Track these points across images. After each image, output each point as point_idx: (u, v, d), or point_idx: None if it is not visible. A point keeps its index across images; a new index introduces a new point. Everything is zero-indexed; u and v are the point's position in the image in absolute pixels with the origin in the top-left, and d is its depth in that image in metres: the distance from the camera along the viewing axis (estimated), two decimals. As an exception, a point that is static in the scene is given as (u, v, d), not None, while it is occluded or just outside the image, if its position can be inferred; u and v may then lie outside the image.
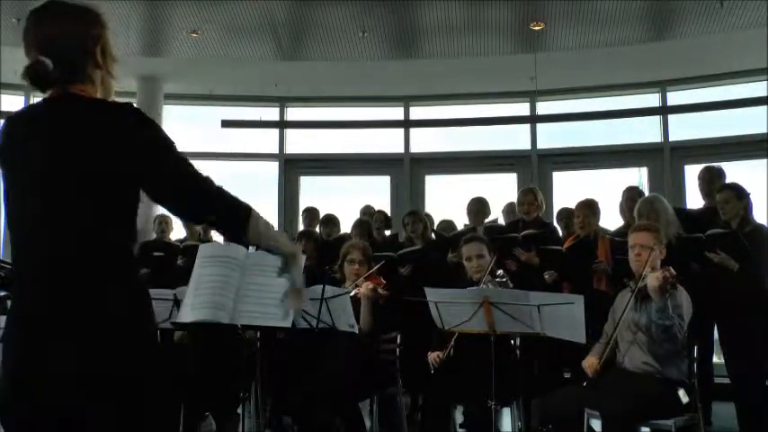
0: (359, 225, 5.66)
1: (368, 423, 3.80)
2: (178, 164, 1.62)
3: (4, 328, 1.57)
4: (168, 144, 1.62)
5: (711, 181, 4.84)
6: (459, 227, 5.88)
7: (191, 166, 1.63)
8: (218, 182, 1.68)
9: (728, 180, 4.81)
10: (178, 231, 6.35)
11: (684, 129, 7.81)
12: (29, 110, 1.68)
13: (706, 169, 5.01)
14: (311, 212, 6.51)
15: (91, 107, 1.62)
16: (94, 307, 1.52)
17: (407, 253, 5.16)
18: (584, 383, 3.31)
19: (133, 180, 1.60)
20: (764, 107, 7.10)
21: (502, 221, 5.93)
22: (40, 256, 1.56)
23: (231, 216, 1.69)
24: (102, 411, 1.50)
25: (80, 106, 1.61)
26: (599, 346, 3.53)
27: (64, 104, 1.61)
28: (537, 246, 4.87)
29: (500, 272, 3.87)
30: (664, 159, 7.82)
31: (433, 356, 3.69)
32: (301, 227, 6.71)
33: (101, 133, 1.57)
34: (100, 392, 1.49)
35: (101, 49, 1.67)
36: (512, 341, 3.64)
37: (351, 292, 3.78)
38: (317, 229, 6.06)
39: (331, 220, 6.09)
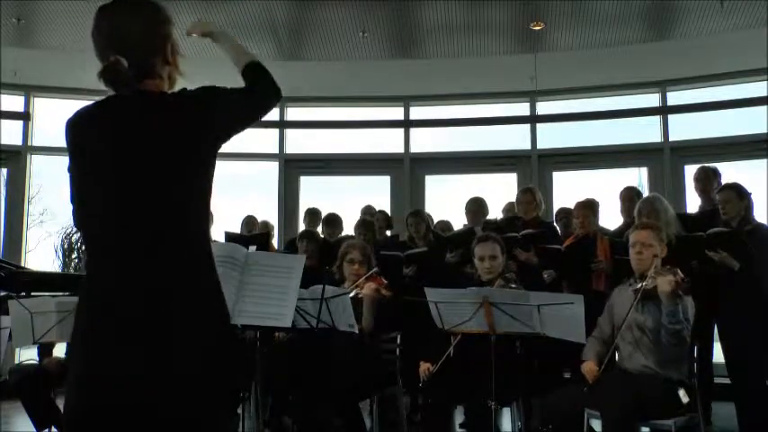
0: (362, 225, 5.66)
1: (368, 423, 3.80)
2: (233, 99, 1.71)
3: (81, 327, 1.57)
4: (227, 91, 1.70)
5: (707, 180, 4.86)
6: (458, 227, 5.88)
7: (239, 92, 1.73)
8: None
9: (726, 180, 4.82)
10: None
11: (684, 129, 7.81)
12: (101, 105, 1.69)
13: (701, 170, 5.05)
14: (313, 213, 6.49)
15: (164, 101, 1.66)
16: (190, 309, 1.55)
17: (414, 254, 5.16)
18: (584, 388, 3.30)
19: (211, 146, 1.66)
20: (764, 107, 7.10)
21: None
22: (130, 252, 1.56)
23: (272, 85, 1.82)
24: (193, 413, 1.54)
25: (154, 101, 1.65)
26: (594, 342, 3.50)
27: (140, 97, 1.65)
28: (536, 245, 4.87)
29: (511, 274, 3.86)
30: (664, 159, 7.82)
31: (423, 368, 3.63)
32: (302, 227, 6.70)
33: (175, 120, 1.62)
34: (197, 393, 1.54)
35: (170, 46, 1.74)
36: (516, 342, 3.63)
37: (351, 292, 3.78)
38: (320, 230, 6.05)
39: (334, 220, 6.08)
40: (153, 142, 1.60)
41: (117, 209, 1.59)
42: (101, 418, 1.51)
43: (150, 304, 1.52)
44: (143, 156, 1.59)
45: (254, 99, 1.78)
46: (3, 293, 5.15)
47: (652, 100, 8.06)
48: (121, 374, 1.50)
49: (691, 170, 7.52)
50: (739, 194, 4.32)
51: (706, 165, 5.13)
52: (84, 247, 4.35)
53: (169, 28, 1.74)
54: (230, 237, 5.67)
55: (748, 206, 4.32)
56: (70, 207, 1.67)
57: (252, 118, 1.77)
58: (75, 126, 1.66)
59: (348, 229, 5.99)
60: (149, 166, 1.59)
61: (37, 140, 8.18)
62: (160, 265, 1.56)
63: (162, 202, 1.59)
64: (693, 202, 5.96)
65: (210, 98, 1.66)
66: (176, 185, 1.60)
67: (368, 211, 6.39)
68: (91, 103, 1.71)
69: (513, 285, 3.68)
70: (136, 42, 1.66)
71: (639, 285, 3.34)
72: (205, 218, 1.67)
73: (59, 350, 4.49)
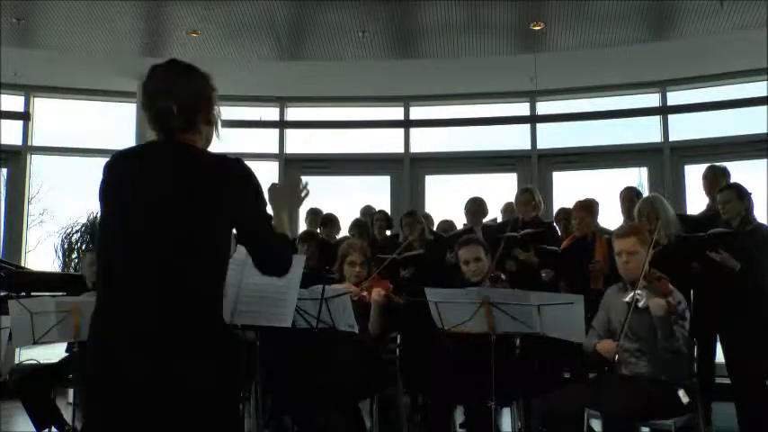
0: (356, 225, 5.65)
1: (368, 423, 3.80)
2: (264, 220, 1.88)
3: (95, 339, 1.72)
4: (262, 201, 1.88)
5: (716, 180, 4.82)
6: (459, 227, 5.88)
7: (269, 224, 1.91)
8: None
9: (732, 179, 4.80)
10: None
11: (684, 129, 7.81)
12: (141, 150, 1.90)
13: (710, 168, 4.99)
14: (315, 213, 6.47)
15: (203, 154, 1.84)
16: (193, 328, 1.70)
17: (410, 257, 5.16)
18: (592, 374, 3.26)
19: (230, 225, 1.81)
20: (764, 107, 7.10)
21: (501, 221, 5.92)
22: (146, 296, 1.69)
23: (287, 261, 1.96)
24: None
25: (193, 152, 1.82)
26: (593, 335, 3.47)
27: (179, 148, 1.81)
28: (535, 245, 4.87)
29: (499, 274, 3.86)
30: (664, 159, 7.82)
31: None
32: (302, 227, 6.70)
33: (211, 179, 1.77)
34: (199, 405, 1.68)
35: (214, 110, 1.91)
36: (516, 342, 3.63)
37: (354, 295, 3.75)
38: (319, 230, 6.05)
39: (331, 221, 6.07)
40: (180, 187, 1.75)
41: (131, 252, 1.73)
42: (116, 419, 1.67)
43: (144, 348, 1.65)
44: (167, 203, 1.74)
45: (268, 246, 1.90)
46: (3, 293, 5.15)
47: (652, 100, 8.06)
48: (131, 381, 1.64)
49: (691, 170, 7.55)
50: (739, 195, 4.31)
51: (716, 164, 5.06)
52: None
53: (212, 92, 1.90)
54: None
55: (748, 206, 4.32)
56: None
57: (252, 245, 1.89)
58: (113, 166, 1.83)
59: (346, 229, 5.99)
60: (173, 210, 1.73)
61: (37, 140, 8.17)
62: (158, 314, 1.68)
63: (173, 254, 1.71)
64: (694, 203, 5.97)
65: (242, 191, 1.80)
66: (188, 242, 1.73)
67: (367, 211, 6.39)
68: (129, 147, 1.91)
69: (500, 284, 3.68)
70: (187, 94, 1.83)
71: (630, 297, 3.25)
72: (214, 283, 1.77)
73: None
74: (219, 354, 1.72)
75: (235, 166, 1.81)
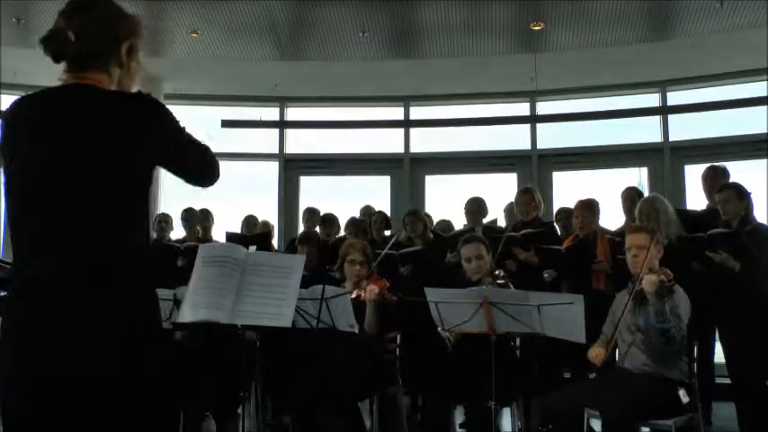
0: (352, 224, 5.65)
1: (368, 423, 3.80)
2: (191, 148, 1.73)
3: (7, 327, 1.56)
4: (180, 130, 1.69)
5: (716, 180, 4.80)
6: (458, 227, 5.88)
7: (198, 145, 1.75)
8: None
9: (731, 179, 4.80)
10: (178, 231, 6.34)
11: (684, 129, 7.81)
12: (41, 95, 1.66)
13: (710, 168, 4.98)
14: (312, 213, 6.49)
15: (106, 97, 1.63)
16: (111, 308, 1.54)
17: (409, 253, 5.16)
18: (592, 374, 3.30)
19: (149, 166, 1.64)
20: (764, 107, 7.10)
21: (502, 221, 5.93)
22: (52, 255, 1.54)
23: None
24: (108, 411, 1.53)
25: (95, 96, 1.62)
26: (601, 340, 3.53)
27: (79, 93, 1.62)
28: (536, 245, 4.87)
29: (499, 272, 3.86)
30: (664, 159, 7.82)
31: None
32: (301, 227, 6.70)
33: (115, 123, 1.58)
34: (110, 392, 1.52)
35: (127, 49, 1.69)
36: (512, 341, 3.63)
37: (352, 293, 3.76)
38: (317, 230, 6.05)
39: (329, 220, 6.06)
40: (80, 139, 1.57)
41: (42, 210, 1.57)
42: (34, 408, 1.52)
43: (71, 303, 1.52)
44: (72, 156, 1.56)
45: (199, 158, 1.78)
46: (2, 293, 5.15)
47: (652, 100, 8.06)
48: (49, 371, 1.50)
49: (691, 170, 7.54)
50: (739, 194, 4.31)
51: (716, 164, 5.05)
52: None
53: (132, 33, 1.70)
54: (231, 237, 5.68)
55: (748, 206, 4.31)
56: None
57: (185, 173, 1.77)
58: (11, 113, 1.65)
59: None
60: (74, 165, 1.56)
61: (37, 140, 8.17)
62: (81, 269, 1.54)
63: (86, 205, 1.56)
64: (694, 203, 5.96)
65: (160, 124, 1.64)
66: (102, 190, 1.57)
67: (366, 211, 6.38)
68: (27, 95, 1.67)
69: (501, 281, 3.69)
70: (92, 25, 1.62)
71: (634, 287, 3.35)
72: (134, 226, 1.62)
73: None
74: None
75: (142, 102, 1.63)
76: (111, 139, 1.57)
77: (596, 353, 3.41)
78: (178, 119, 1.69)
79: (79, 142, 1.56)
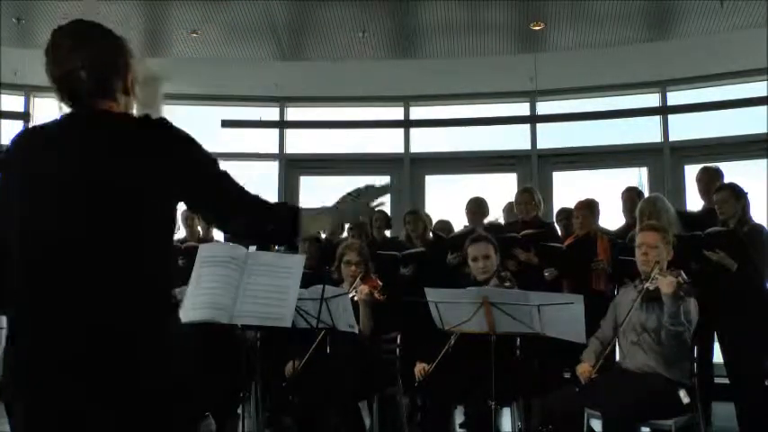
0: (355, 225, 5.65)
1: (368, 423, 3.80)
2: (222, 181, 1.58)
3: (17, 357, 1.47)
4: (210, 161, 1.58)
5: (710, 181, 4.82)
6: (459, 227, 5.88)
7: (235, 182, 1.61)
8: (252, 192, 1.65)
9: (726, 180, 4.80)
10: (178, 231, 6.34)
11: (684, 129, 7.80)
12: (53, 123, 1.58)
13: (703, 170, 4.99)
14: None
15: (124, 121, 1.57)
16: (126, 360, 1.44)
17: (411, 254, 5.15)
18: (577, 389, 3.32)
19: (172, 197, 1.55)
20: (764, 107, 7.10)
21: (502, 221, 5.92)
22: (64, 282, 1.44)
23: (286, 222, 1.66)
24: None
25: (112, 120, 1.57)
26: (594, 343, 3.50)
27: (95, 118, 1.56)
28: (536, 245, 4.87)
29: (506, 273, 3.85)
30: (664, 159, 7.81)
31: (418, 369, 3.61)
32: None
33: (137, 147, 1.51)
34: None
35: (130, 76, 1.66)
36: (516, 342, 3.63)
37: (350, 293, 3.77)
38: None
39: (332, 220, 6.05)
40: (98, 162, 1.48)
41: (60, 239, 1.46)
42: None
43: (93, 340, 1.42)
44: (87, 174, 1.48)
45: (256, 216, 1.64)
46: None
47: (652, 100, 8.05)
48: (63, 409, 1.42)
49: (691, 170, 7.53)
50: (736, 194, 4.31)
51: (708, 165, 5.06)
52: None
53: (129, 58, 1.65)
54: (229, 237, 5.67)
55: (745, 206, 4.31)
56: None
57: (226, 207, 1.62)
58: (20, 141, 1.57)
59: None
60: (91, 188, 1.47)
61: (37, 140, 8.17)
62: (102, 301, 1.44)
63: (113, 237, 1.47)
64: (694, 203, 5.95)
65: (186, 159, 1.55)
66: (129, 221, 1.48)
67: (367, 211, 6.37)
68: (40, 124, 1.60)
69: (508, 284, 3.68)
70: (98, 57, 1.57)
71: (643, 286, 3.33)
72: (161, 259, 1.54)
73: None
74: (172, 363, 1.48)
75: (165, 127, 1.56)
76: (135, 167, 1.48)
77: (583, 370, 3.38)
78: (206, 151, 1.59)
79: (101, 160, 1.48)
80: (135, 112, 1.68)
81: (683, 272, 3.23)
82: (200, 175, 1.57)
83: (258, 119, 8.25)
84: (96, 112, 1.56)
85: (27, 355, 1.45)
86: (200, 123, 8.50)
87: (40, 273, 1.46)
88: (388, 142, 8.52)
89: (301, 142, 8.70)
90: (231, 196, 1.59)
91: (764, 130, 6.97)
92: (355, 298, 3.81)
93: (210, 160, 1.59)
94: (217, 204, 1.61)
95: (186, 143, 1.57)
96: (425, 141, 8.50)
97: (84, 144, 1.51)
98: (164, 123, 1.56)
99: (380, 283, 4.00)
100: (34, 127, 1.61)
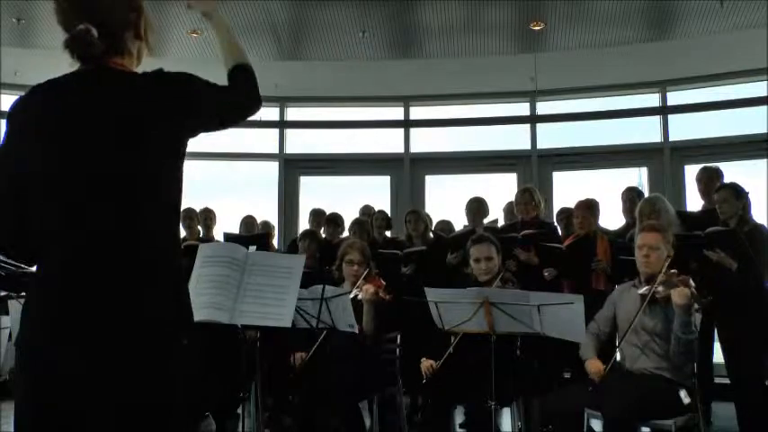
0: (357, 223, 5.65)
1: (368, 423, 3.80)
2: (213, 95, 1.65)
3: (26, 329, 1.44)
4: (195, 80, 1.61)
5: (710, 181, 4.82)
6: (459, 227, 5.88)
7: (224, 92, 1.69)
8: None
9: (726, 180, 4.81)
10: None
11: (684, 129, 7.81)
12: (61, 81, 1.56)
13: (703, 170, 4.99)
14: (318, 214, 6.46)
15: (133, 81, 1.55)
16: (135, 311, 1.42)
17: (412, 253, 5.16)
18: (590, 388, 3.28)
19: (182, 134, 1.57)
20: (764, 107, 7.10)
21: (502, 221, 5.93)
22: (76, 250, 1.42)
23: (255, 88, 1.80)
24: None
25: (121, 80, 1.54)
26: (591, 339, 3.48)
27: (104, 78, 1.53)
28: (536, 245, 4.87)
29: (508, 274, 3.85)
30: (664, 159, 7.82)
31: (426, 365, 3.61)
32: (302, 227, 6.69)
33: (142, 105, 1.50)
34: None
35: (143, 20, 1.63)
36: (516, 342, 3.62)
37: (351, 293, 3.77)
38: (322, 230, 6.04)
39: (334, 220, 6.05)
40: (119, 127, 1.47)
41: (68, 201, 1.45)
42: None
43: (94, 305, 1.40)
44: (106, 141, 1.46)
45: (236, 102, 1.74)
46: (3, 293, 5.14)
47: (652, 100, 8.06)
48: (61, 375, 1.38)
49: (691, 170, 7.54)
50: (736, 194, 4.31)
51: (708, 165, 5.06)
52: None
53: (141, 2, 1.63)
54: (229, 237, 5.67)
55: (745, 206, 4.31)
56: None
57: (230, 120, 1.74)
58: (27, 99, 1.54)
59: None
60: (111, 155, 1.46)
61: (37, 140, 8.17)
62: (110, 268, 1.42)
63: (121, 195, 1.46)
64: (694, 203, 5.96)
65: (192, 90, 1.58)
66: (139, 178, 1.48)
67: (366, 211, 6.38)
68: (42, 82, 1.57)
69: (510, 286, 3.67)
70: (108, 12, 1.54)
71: (647, 290, 3.29)
72: (169, 219, 1.54)
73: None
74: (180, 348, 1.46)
75: (173, 78, 1.56)
76: (144, 123, 1.50)
77: (596, 369, 3.30)
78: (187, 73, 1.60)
79: (111, 124, 1.48)
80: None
81: (691, 279, 3.20)
82: (206, 104, 1.64)
83: (258, 119, 8.24)
84: (108, 68, 1.55)
85: (57, 300, 1.41)
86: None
87: (78, 210, 1.45)
88: (388, 142, 8.52)
89: (301, 142, 8.71)
90: (226, 107, 1.73)
91: (764, 130, 6.98)
92: (359, 297, 3.81)
93: (209, 85, 1.64)
94: (216, 120, 1.73)
95: (189, 78, 1.60)
96: (425, 141, 8.51)
97: (104, 87, 1.52)
98: (166, 76, 1.58)
99: (384, 283, 4.00)
100: (39, 84, 1.58)
